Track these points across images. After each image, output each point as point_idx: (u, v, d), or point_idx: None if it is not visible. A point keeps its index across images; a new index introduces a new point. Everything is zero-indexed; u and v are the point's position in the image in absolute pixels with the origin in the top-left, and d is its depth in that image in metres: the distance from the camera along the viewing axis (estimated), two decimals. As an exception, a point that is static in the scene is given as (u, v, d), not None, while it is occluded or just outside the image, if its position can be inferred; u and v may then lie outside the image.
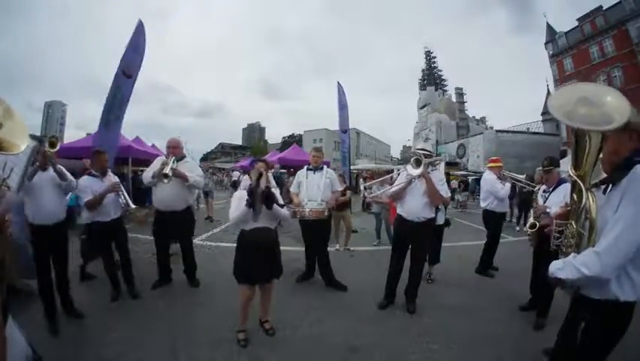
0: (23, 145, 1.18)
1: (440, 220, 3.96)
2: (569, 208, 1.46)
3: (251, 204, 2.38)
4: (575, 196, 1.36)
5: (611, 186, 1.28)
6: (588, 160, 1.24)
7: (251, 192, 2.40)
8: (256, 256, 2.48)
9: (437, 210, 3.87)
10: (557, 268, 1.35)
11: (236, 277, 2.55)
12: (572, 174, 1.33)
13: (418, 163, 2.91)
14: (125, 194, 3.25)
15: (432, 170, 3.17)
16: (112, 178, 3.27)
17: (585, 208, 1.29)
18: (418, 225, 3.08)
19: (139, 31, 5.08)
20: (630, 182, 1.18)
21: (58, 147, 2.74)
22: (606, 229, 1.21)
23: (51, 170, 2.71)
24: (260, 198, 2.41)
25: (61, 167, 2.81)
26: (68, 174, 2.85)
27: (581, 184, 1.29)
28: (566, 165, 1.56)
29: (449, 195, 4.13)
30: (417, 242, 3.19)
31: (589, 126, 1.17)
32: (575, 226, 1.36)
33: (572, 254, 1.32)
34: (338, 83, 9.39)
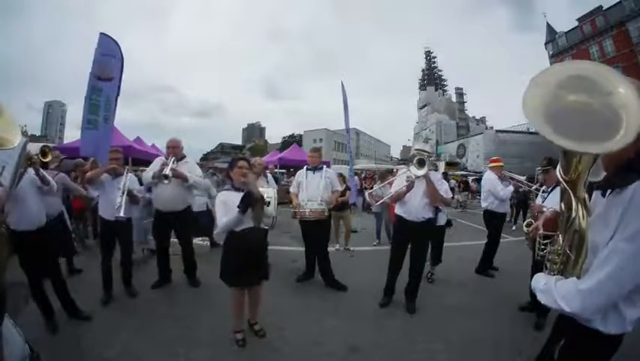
0: (16, 141, 1.17)
1: (441, 221, 3.96)
2: (556, 213, 1.27)
3: (244, 209, 2.28)
4: (563, 206, 1.12)
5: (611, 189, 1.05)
6: (582, 162, 0.95)
7: (244, 197, 2.29)
8: (247, 258, 2.41)
9: (438, 210, 3.87)
10: (538, 289, 1.17)
11: (226, 281, 2.47)
12: (560, 180, 1.07)
13: (421, 163, 2.89)
14: (125, 198, 3.07)
15: (430, 169, 3.18)
16: (124, 178, 3.20)
17: (574, 224, 1.06)
18: (419, 225, 3.09)
19: (103, 42, 5.38)
20: (633, 201, 0.92)
21: (49, 158, 2.69)
22: (596, 262, 0.99)
23: (31, 172, 2.63)
24: (257, 204, 2.36)
25: (44, 171, 2.75)
26: (50, 179, 2.80)
27: (571, 193, 1.04)
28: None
29: (450, 195, 4.13)
30: (417, 242, 3.19)
31: (581, 147, 0.80)
32: (561, 243, 1.15)
33: (556, 277, 1.14)
34: (342, 82, 9.29)
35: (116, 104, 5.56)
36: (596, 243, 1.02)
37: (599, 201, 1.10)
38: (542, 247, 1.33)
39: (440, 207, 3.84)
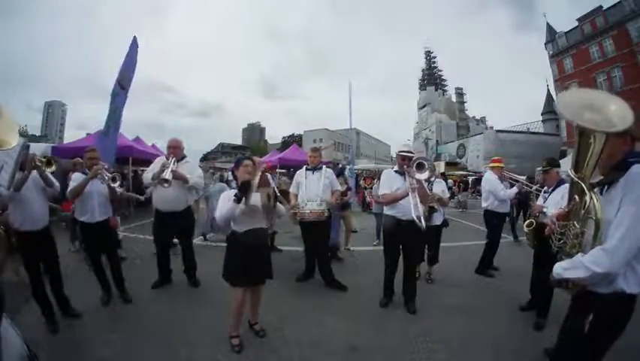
0: (14, 142, 1.18)
1: (438, 221, 3.94)
2: (567, 210, 1.49)
3: (239, 199, 2.31)
4: (576, 197, 1.39)
5: (607, 186, 1.36)
6: (590, 163, 1.29)
7: (240, 186, 2.34)
8: (250, 258, 2.43)
9: (434, 210, 3.83)
10: (564, 268, 1.39)
11: (229, 281, 2.48)
12: (572, 176, 1.36)
13: (421, 167, 2.88)
14: (107, 175, 3.10)
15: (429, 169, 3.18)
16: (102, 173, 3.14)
17: (588, 208, 1.33)
18: (412, 224, 3.09)
19: (134, 47, 5.29)
20: (628, 183, 1.26)
21: (53, 168, 2.75)
22: (611, 228, 1.27)
23: (34, 172, 2.64)
24: (272, 199, 2.42)
25: (48, 173, 2.75)
26: (54, 180, 2.80)
27: (583, 185, 1.33)
28: (566, 165, 1.57)
29: (447, 194, 4.11)
30: (412, 241, 3.20)
31: (596, 127, 1.21)
32: (577, 227, 1.39)
33: (579, 254, 1.36)
34: (349, 82, 9.30)
35: (121, 113, 5.54)
36: (607, 219, 1.30)
37: (600, 198, 1.34)
38: (559, 236, 1.53)
39: (436, 207, 3.82)
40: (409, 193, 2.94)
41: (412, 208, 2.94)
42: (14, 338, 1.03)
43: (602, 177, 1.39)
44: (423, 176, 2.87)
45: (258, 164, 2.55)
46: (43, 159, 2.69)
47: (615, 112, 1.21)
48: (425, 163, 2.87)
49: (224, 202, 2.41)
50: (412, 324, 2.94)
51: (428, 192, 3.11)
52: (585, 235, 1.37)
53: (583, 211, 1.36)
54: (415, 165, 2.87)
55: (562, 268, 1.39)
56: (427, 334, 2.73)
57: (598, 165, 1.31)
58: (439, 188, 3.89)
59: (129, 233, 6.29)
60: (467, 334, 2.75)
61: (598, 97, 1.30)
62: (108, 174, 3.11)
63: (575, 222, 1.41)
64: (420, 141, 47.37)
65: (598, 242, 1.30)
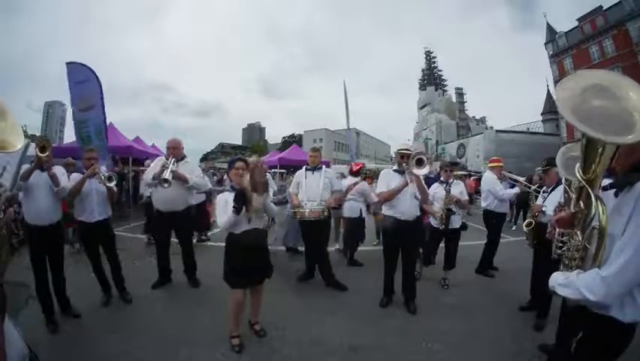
0: (19, 144, 1.18)
1: (456, 224, 3.81)
2: (572, 212, 1.32)
3: (238, 210, 2.29)
4: (582, 204, 1.21)
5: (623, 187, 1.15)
6: (601, 163, 1.06)
7: (237, 196, 2.30)
8: (249, 259, 2.43)
9: (452, 213, 3.71)
10: (559, 283, 1.24)
11: (229, 282, 2.48)
12: (580, 178, 1.14)
13: (420, 163, 2.86)
14: (104, 174, 3.10)
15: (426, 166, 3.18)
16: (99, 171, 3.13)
17: (593, 218, 1.15)
18: (411, 224, 3.12)
19: (73, 70, 5.31)
20: None
21: (48, 152, 2.62)
22: (615, 249, 1.08)
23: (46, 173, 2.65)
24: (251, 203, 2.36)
25: (55, 172, 2.74)
26: (62, 181, 2.79)
27: (590, 191, 1.12)
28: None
29: (465, 197, 3.91)
30: (411, 240, 3.22)
31: (605, 136, 0.94)
32: (580, 238, 1.23)
33: (577, 271, 1.21)
34: (344, 82, 9.29)
35: (106, 127, 5.58)
36: (612, 235, 1.10)
37: (610, 200, 1.17)
38: (560, 244, 1.40)
39: (454, 210, 3.73)
40: (409, 184, 2.97)
41: (408, 203, 3.01)
42: (17, 339, 1.04)
43: (619, 176, 1.17)
44: (422, 172, 2.85)
45: (252, 165, 2.44)
46: (40, 152, 2.56)
47: (635, 101, 0.95)
48: (424, 159, 2.85)
49: (222, 208, 2.39)
50: (412, 324, 2.95)
51: (425, 187, 3.12)
52: (588, 250, 1.20)
53: (588, 221, 1.18)
54: (414, 160, 2.85)
55: (556, 283, 1.25)
56: (427, 334, 2.74)
57: (615, 162, 1.10)
58: (457, 190, 3.79)
59: (129, 233, 6.29)
60: (467, 334, 2.75)
61: (611, 78, 1.04)
62: (104, 174, 3.12)
63: (578, 232, 1.24)
64: (420, 141, 47.28)
65: (599, 260, 1.12)
